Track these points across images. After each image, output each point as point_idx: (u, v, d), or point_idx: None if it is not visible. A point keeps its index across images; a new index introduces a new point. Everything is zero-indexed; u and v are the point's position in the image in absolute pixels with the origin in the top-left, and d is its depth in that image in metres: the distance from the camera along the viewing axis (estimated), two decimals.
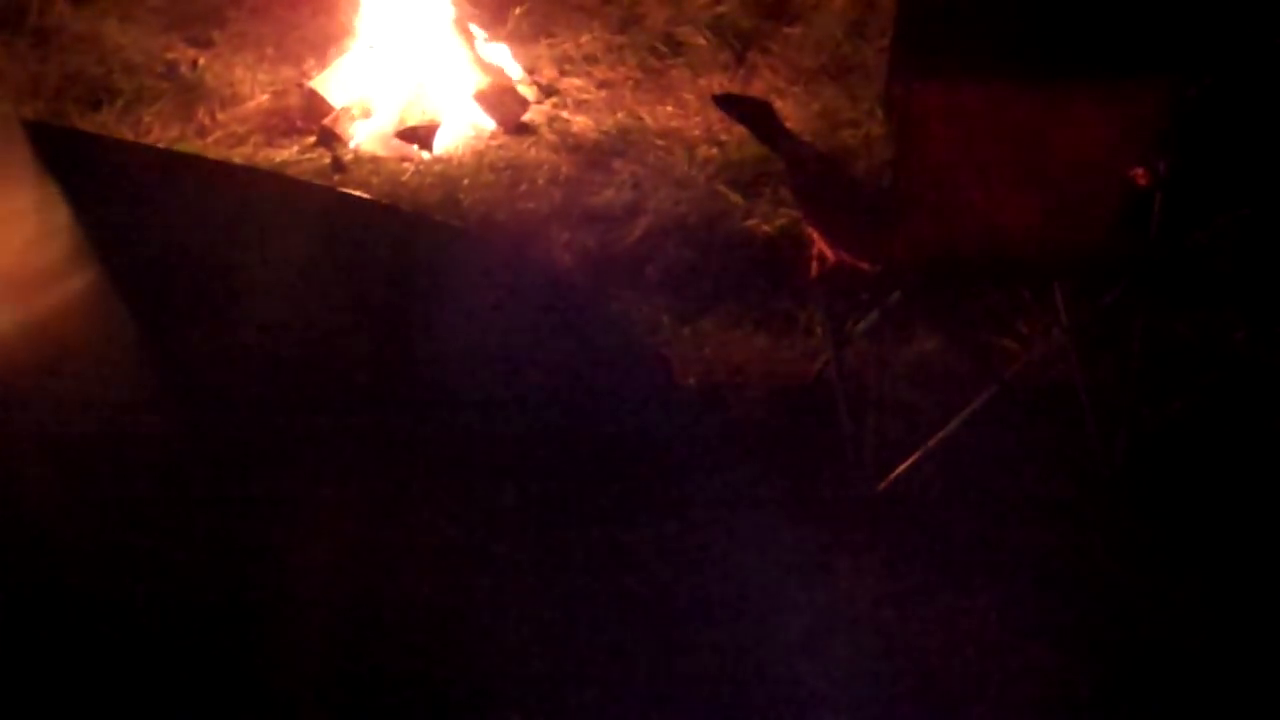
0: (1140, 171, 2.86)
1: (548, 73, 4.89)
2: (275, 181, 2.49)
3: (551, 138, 4.50)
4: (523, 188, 4.20)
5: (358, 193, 3.93)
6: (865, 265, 2.88)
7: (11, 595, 0.97)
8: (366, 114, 4.49)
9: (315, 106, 4.52)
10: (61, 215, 1.36)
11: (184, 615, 0.99)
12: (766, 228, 3.93)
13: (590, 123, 4.58)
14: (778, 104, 4.06)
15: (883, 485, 2.96)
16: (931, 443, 2.97)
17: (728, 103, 3.80)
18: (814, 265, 3.05)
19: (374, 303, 1.51)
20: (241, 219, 1.68)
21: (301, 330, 1.39)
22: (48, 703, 0.90)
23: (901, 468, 2.97)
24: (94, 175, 1.50)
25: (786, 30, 5.06)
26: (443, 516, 1.16)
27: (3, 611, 0.95)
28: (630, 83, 4.81)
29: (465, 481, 1.24)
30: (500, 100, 4.58)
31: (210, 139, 4.44)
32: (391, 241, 1.75)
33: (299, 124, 4.52)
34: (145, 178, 1.75)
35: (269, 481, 1.14)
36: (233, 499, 1.11)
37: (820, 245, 3.00)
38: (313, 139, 4.44)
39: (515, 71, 4.77)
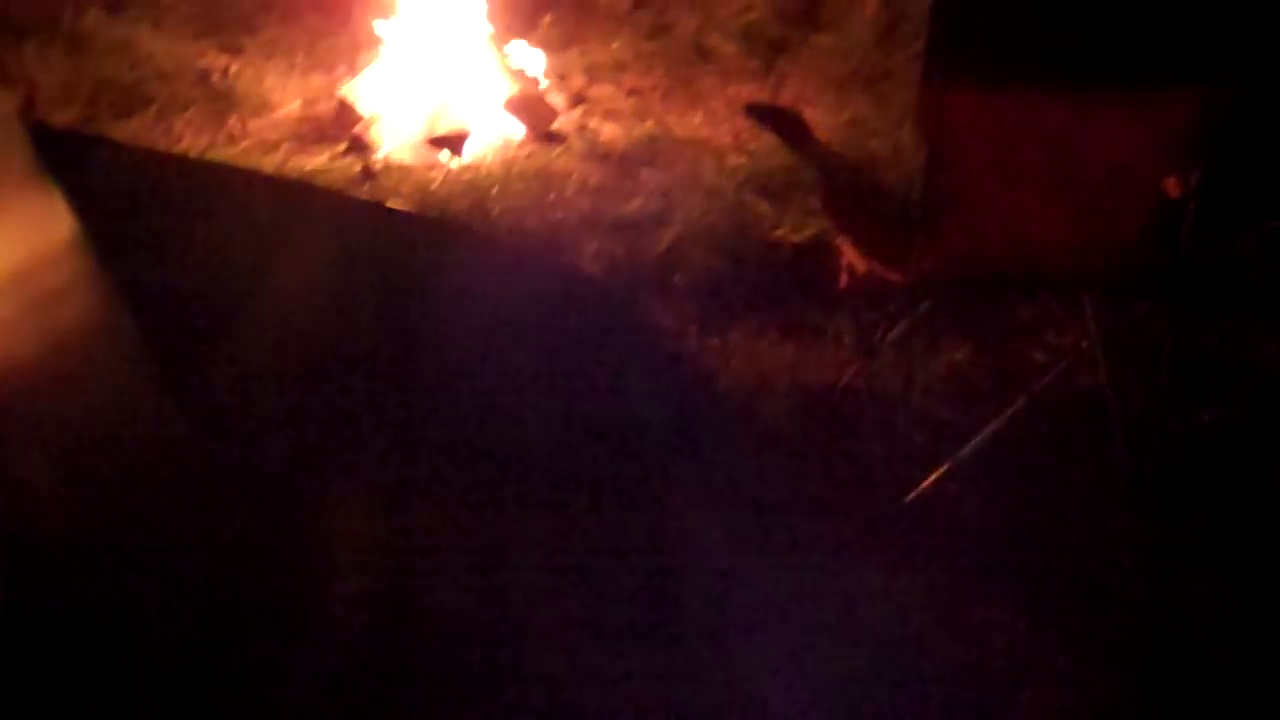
0: (1172, 182, 2.85)
1: (577, 81, 4.90)
2: (301, 191, 2.50)
3: (580, 146, 4.51)
4: (551, 196, 4.21)
5: (384, 202, 3.95)
6: (895, 276, 2.87)
7: (11, 596, 0.98)
8: (396, 122, 4.51)
9: (345, 114, 4.54)
10: (67, 222, 1.36)
11: (188, 617, 0.99)
12: (795, 237, 3.93)
13: (619, 131, 4.59)
14: (807, 112, 4.07)
15: (910, 497, 2.96)
16: (959, 454, 2.96)
17: (759, 112, 3.80)
18: (843, 276, 3.05)
19: (398, 309, 1.50)
20: (266, 228, 1.68)
21: (324, 338, 1.39)
22: (47, 704, 0.91)
23: (930, 479, 2.96)
24: (112, 183, 1.50)
25: (816, 38, 5.07)
26: (463, 520, 1.16)
27: (2, 612, 0.95)
28: (659, 91, 4.82)
29: (488, 485, 1.24)
30: (529, 108, 4.59)
31: (241, 146, 4.47)
32: (418, 248, 1.75)
33: (329, 132, 4.54)
34: (164, 186, 1.75)
35: (293, 489, 1.14)
36: (254, 499, 1.11)
37: (850, 255, 3.00)
38: (343, 147, 4.46)
39: (544, 80, 4.78)
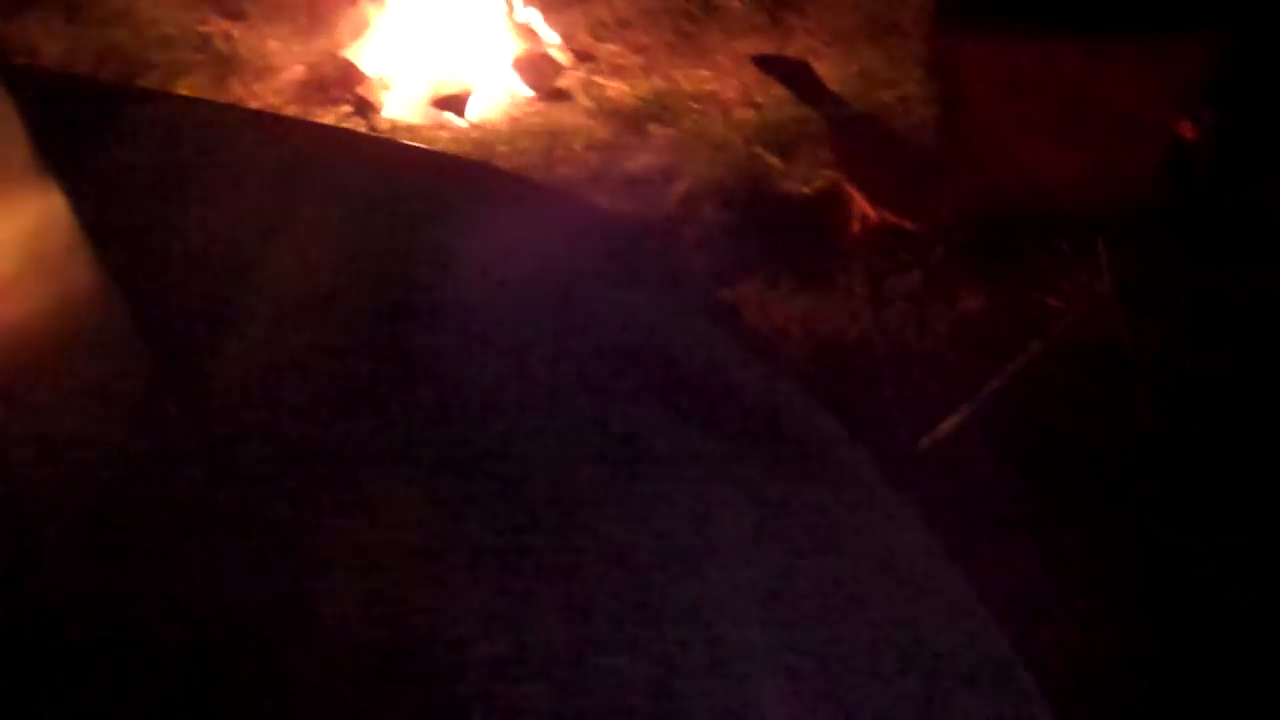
0: (1186, 124, 2.84)
1: (582, 38, 4.87)
2: (321, 133, 2.46)
3: (587, 103, 4.49)
4: (559, 153, 4.20)
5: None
6: (908, 223, 2.86)
7: (11, 597, 0.96)
8: (400, 83, 4.49)
9: (350, 76, 4.52)
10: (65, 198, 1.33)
11: (186, 618, 0.97)
12: (805, 189, 3.91)
13: (625, 87, 4.57)
14: (814, 65, 4.04)
15: (926, 443, 2.95)
16: (974, 401, 2.96)
17: (767, 65, 3.78)
18: (855, 225, 3.04)
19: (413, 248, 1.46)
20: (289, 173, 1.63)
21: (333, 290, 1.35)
22: (47, 704, 0.89)
23: (944, 426, 2.96)
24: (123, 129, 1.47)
25: None
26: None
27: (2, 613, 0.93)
28: (665, 46, 4.79)
29: (527, 392, 1.21)
30: (535, 66, 4.57)
31: None
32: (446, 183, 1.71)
33: (334, 94, 4.52)
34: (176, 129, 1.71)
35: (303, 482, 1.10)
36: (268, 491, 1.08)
37: (861, 205, 2.98)
38: (348, 108, 4.44)
39: (550, 37, 4.75)
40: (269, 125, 2.15)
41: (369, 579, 0.94)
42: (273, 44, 4.81)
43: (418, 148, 2.40)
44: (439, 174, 1.77)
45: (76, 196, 1.34)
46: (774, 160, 4.05)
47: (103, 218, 1.33)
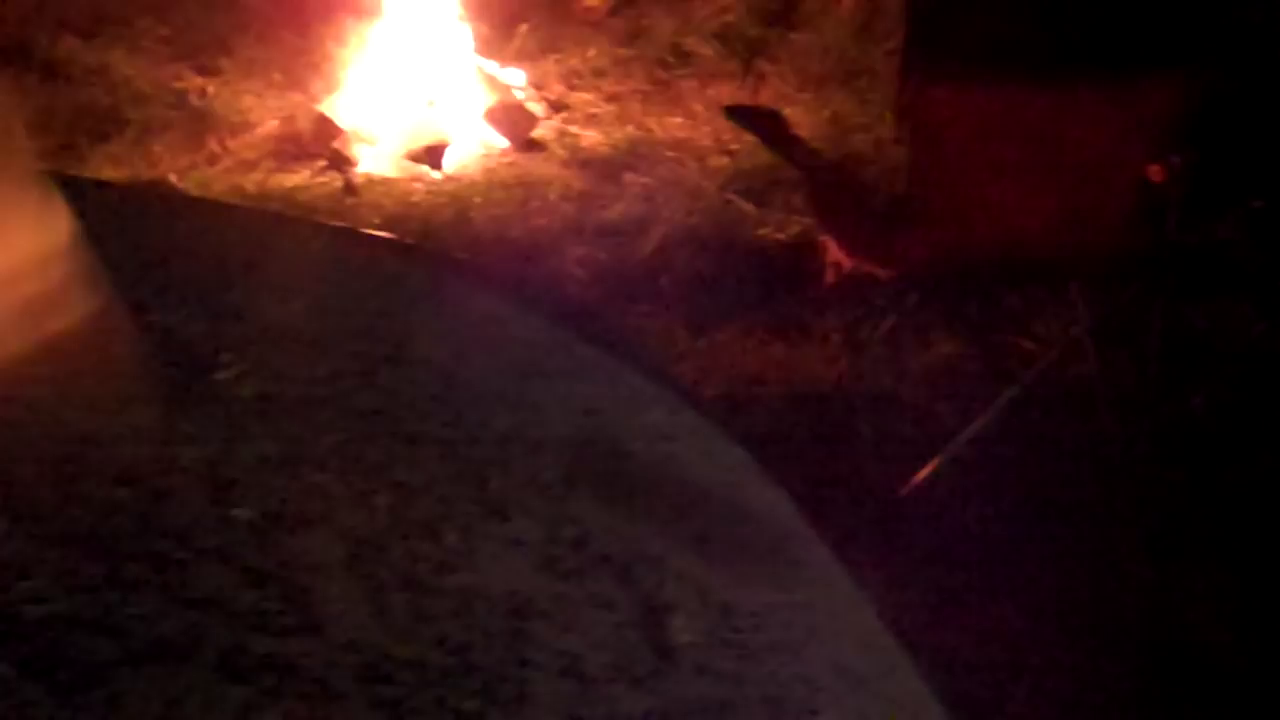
0: (1155, 168, 2.86)
1: (556, 88, 4.90)
2: (273, 221, 2.47)
3: (561, 153, 4.50)
4: (534, 204, 4.21)
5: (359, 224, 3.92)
6: (881, 271, 2.87)
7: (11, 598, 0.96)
8: (375, 136, 4.51)
9: (325, 130, 4.53)
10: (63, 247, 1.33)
11: (183, 619, 0.98)
12: (780, 236, 3.93)
13: (600, 137, 4.59)
14: (787, 111, 4.06)
15: (904, 490, 2.95)
16: (952, 446, 2.96)
17: (739, 114, 3.79)
18: (829, 272, 3.05)
19: (375, 336, 1.47)
20: (241, 258, 1.65)
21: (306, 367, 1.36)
22: (45, 704, 0.90)
23: (923, 472, 2.96)
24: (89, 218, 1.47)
25: (793, 37, 5.06)
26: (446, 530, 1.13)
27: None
28: (638, 95, 4.82)
29: (479, 500, 1.21)
30: (509, 117, 4.59)
31: (221, 166, 4.46)
32: (390, 274, 1.72)
33: (309, 148, 4.53)
34: (139, 218, 1.72)
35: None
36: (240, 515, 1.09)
37: (836, 252, 3.00)
38: (323, 163, 4.45)
39: (523, 88, 4.78)
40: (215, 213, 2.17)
41: None
42: (248, 99, 4.83)
43: (352, 231, 2.41)
44: (380, 262, 1.78)
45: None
46: (748, 207, 4.06)
47: None
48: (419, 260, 1.94)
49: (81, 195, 1.37)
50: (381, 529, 1.11)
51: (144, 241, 1.57)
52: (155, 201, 2.23)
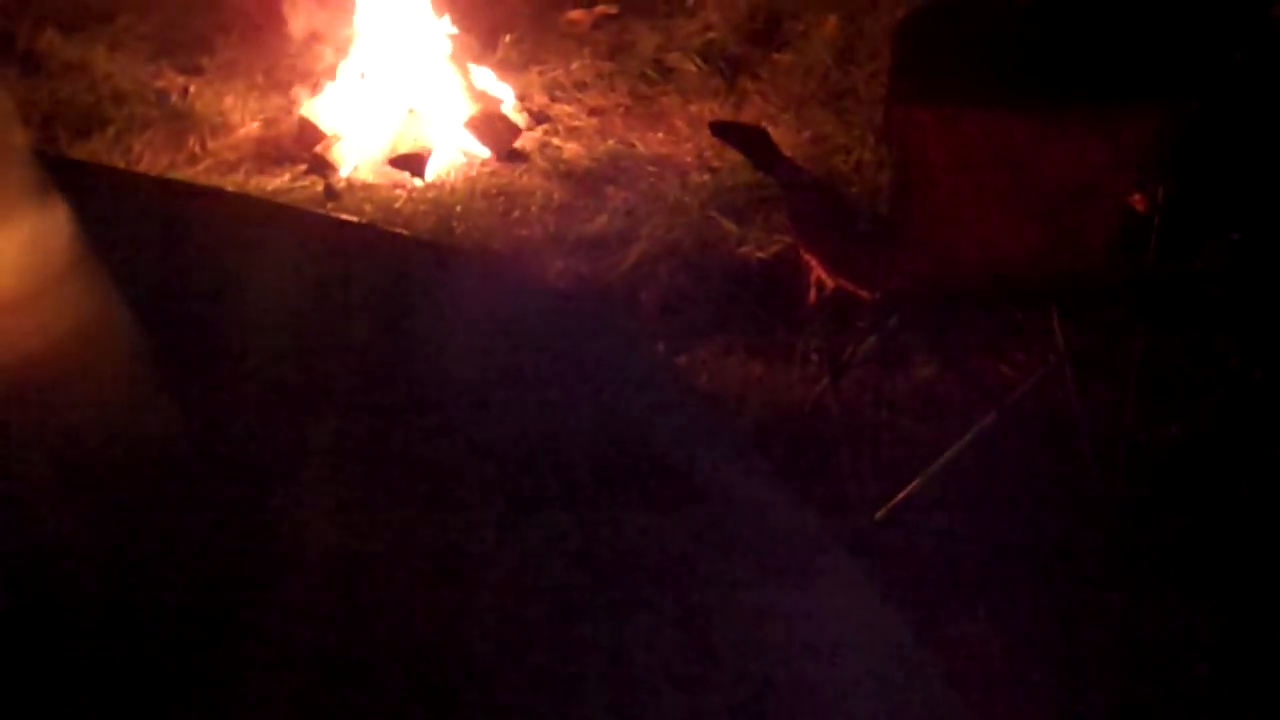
0: (1137, 197, 2.87)
1: (539, 100, 4.89)
2: (268, 208, 2.46)
3: (543, 164, 4.50)
4: (515, 214, 4.20)
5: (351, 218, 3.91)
6: (862, 292, 2.87)
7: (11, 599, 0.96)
8: (357, 142, 4.49)
9: (306, 134, 4.52)
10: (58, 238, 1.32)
11: (179, 618, 0.98)
12: (760, 254, 3.93)
13: (582, 149, 4.59)
14: (770, 130, 4.07)
15: (880, 514, 2.95)
16: (929, 471, 2.96)
17: (723, 130, 3.79)
18: (811, 292, 3.05)
19: (368, 326, 1.47)
20: (234, 246, 1.64)
21: (297, 353, 1.35)
22: (44, 705, 0.89)
23: (899, 496, 2.96)
24: (83, 202, 1.46)
25: (776, 56, 5.08)
26: (429, 531, 1.13)
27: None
28: (621, 109, 4.82)
29: (460, 500, 1.21)
30: (492, 127, 4.58)
31: (201, 167, 4.43)
32: (385, 263, 1.72)
33: (290, 151, 4.51)
34: (134, 204, 1.71)
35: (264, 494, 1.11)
36: (228, 510, 1.09)
37: (818, 272, 3.00)
38: (304, 167, 4.43)
39: (506, 99, 4.77)
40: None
41: None
42: (229, 100, 4.81)
43: (362, 225, 2.39)
44: (389, 253, 1.77)
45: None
46: (729, 225, 4.06)
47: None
48: (440, 256, 1.94)
49: (89, 181, 1.36)
50: (418, 523, 1.10)
51: (149, 229, 1.56)
52: (159, 189, 2.21)
